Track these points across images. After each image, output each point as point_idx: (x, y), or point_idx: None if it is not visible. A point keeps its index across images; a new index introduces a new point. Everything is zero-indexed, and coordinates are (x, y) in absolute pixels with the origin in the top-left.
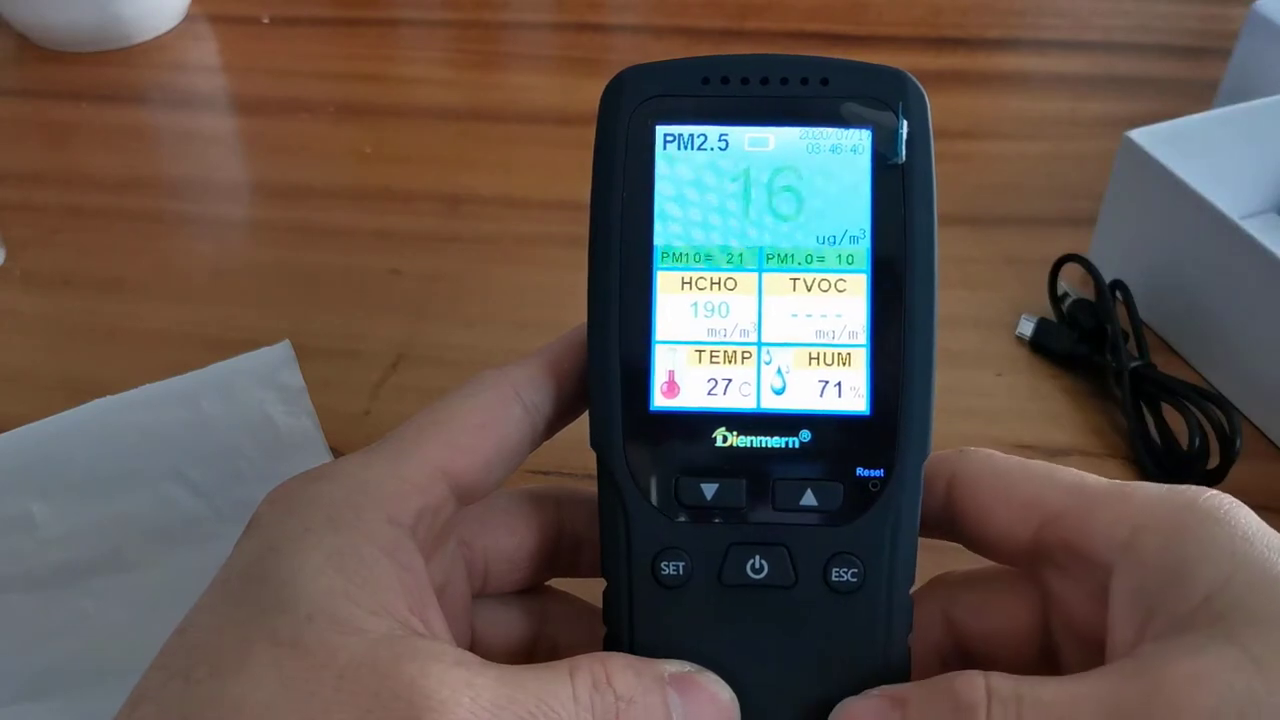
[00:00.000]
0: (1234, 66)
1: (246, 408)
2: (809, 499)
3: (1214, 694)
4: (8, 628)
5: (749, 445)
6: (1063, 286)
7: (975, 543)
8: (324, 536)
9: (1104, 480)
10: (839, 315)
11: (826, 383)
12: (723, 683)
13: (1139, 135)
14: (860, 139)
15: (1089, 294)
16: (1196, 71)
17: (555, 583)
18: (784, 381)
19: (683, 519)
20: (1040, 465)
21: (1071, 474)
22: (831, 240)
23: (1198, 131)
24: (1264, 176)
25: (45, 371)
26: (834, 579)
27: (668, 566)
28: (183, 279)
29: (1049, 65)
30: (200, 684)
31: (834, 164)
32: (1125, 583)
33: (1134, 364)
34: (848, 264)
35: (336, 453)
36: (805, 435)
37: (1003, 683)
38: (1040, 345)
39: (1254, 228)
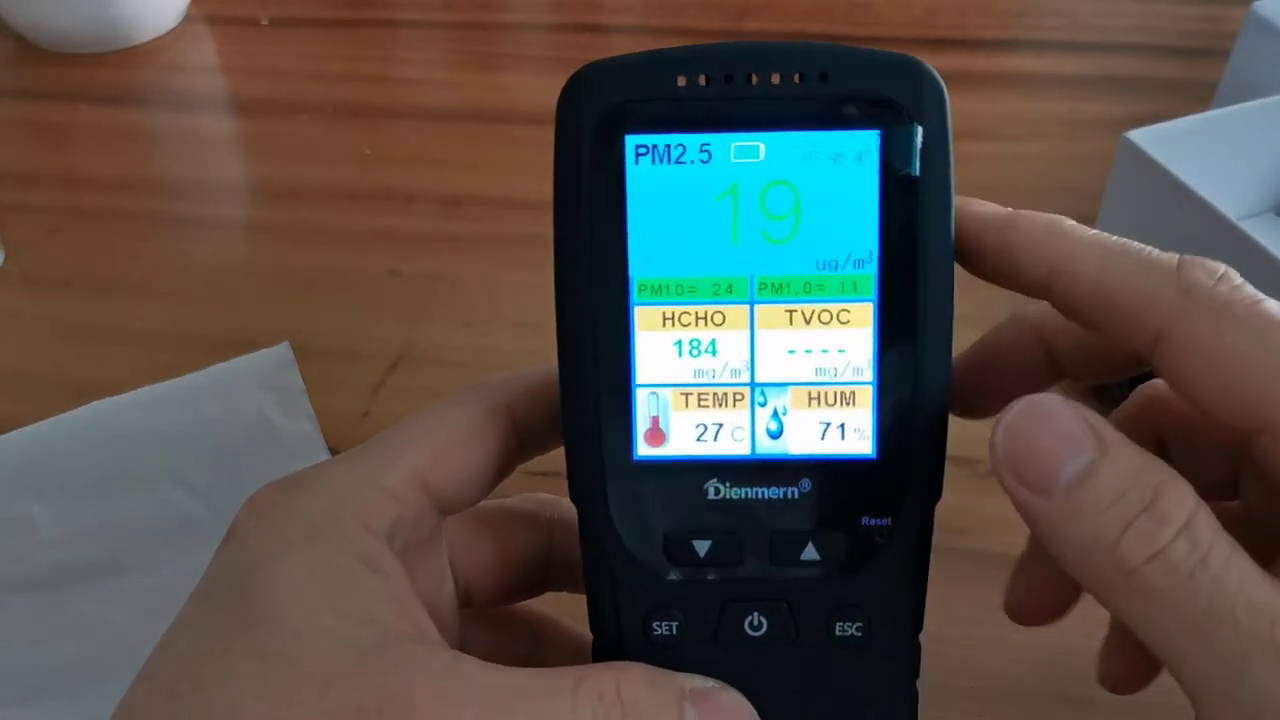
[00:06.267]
0: (1232, 67)
1: (246, 409)
2: (810, 553)
3: None
4: (7, 629)
5: (744, 497)
6: None
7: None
8: (304, 551)
9: None
10: (842, 350)
11: (828, 425)
12: (746, 703)
13: (1137, 136)
14: (866, 145)
15: None
16: (1195, 72)
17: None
18: (781, 425)
19: (674, 576)
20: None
21: None
22: (833, 266)
23: (1196, 132)
24: (1262, 177)
25: (45, 371)
26: (838, 634)
27: (659, 626)
28: (183, 280)
29: (1047, 66)
30: (184, 698)
31: (835, 176)
32: None
33: None
34: (851, 292)
35: (335, 455)
36: (805, 484)
37: (1207, 530)
38: None
39: (1252, 228)
